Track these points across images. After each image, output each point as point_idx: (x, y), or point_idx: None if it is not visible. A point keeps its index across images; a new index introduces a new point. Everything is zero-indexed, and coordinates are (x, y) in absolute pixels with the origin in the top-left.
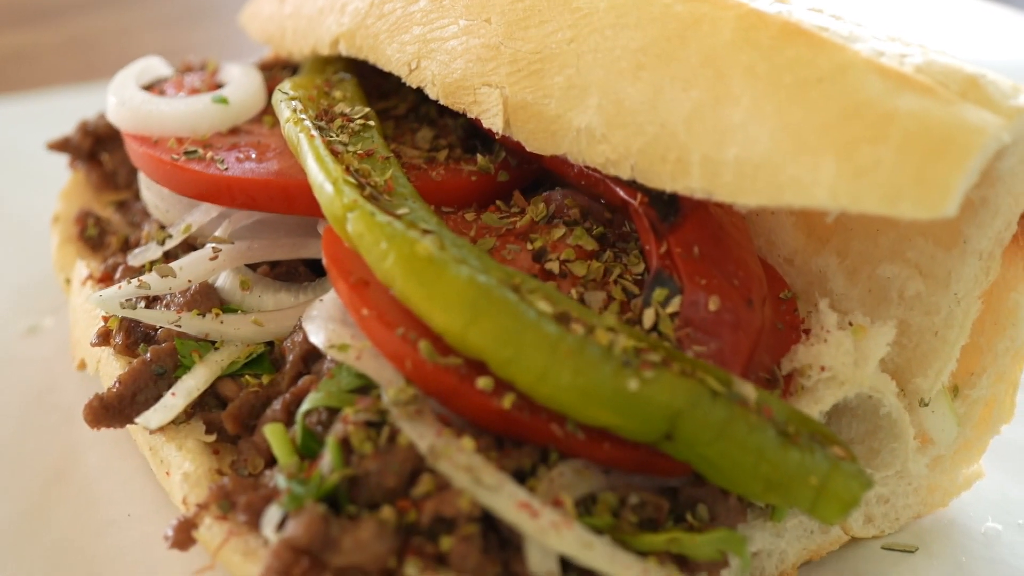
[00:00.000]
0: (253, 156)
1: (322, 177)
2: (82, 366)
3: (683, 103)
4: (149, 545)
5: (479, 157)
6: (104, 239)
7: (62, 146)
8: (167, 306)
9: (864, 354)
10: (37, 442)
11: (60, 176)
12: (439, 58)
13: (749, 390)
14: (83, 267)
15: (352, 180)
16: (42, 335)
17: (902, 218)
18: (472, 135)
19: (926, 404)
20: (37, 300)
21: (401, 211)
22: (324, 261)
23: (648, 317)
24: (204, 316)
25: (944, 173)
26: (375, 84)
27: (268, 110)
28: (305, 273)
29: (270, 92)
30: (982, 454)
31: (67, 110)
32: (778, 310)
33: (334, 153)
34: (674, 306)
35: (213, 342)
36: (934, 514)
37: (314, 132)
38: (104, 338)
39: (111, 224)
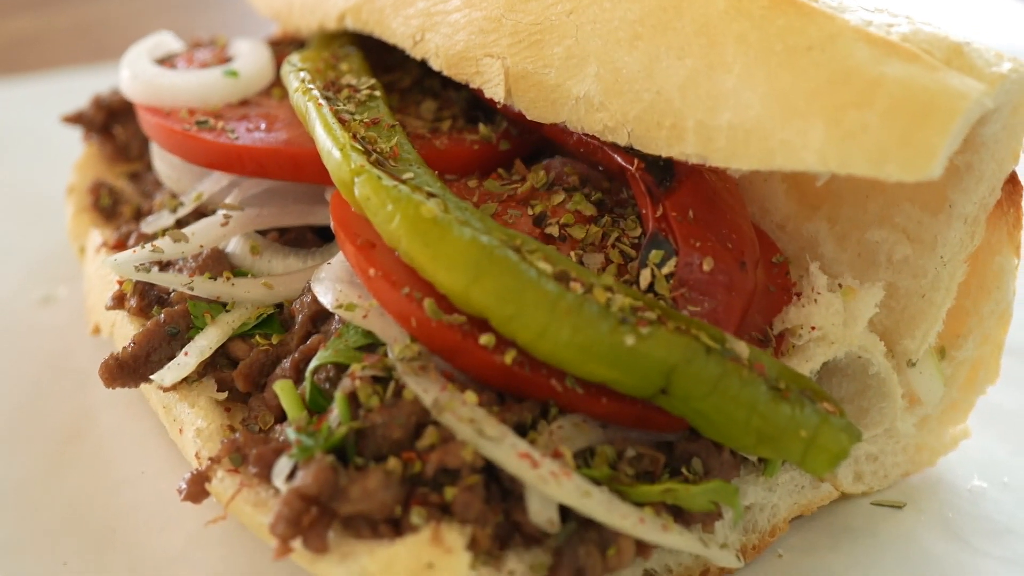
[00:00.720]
0: (262, 126)
1: (330, 143)
2: (96, 331)
3: (678, 71)
4: (163, 500)
5: (481, 127)
6: (117, 208)
7: (76, 119)
8: (179, 270)
9: (853, 315)
10: (53, 405)
11: (73, 154)
12: (442, 31)
13: (742, 347)
14: (97, 235)
15: (359, 146)
16: (56, 304)
17: (888, 180)
18: (474, 107)
19: (914, 364)
20: (51, 271)
21: (406, 176)
22: (332, 224)
23: (644, 278)
24: (216, 279)
25: (929, 136)
26: (380, 59)
27: (276, 83)
28: (313, 239)
29: (278, 67)
30: (968, 414)
31: (79, 90)
32: (770, 273)
33: (341, 121)
34: (669, 267)
35: (224, 304)
36: (922, 472)
37: (322, 101)
38: (119, 301)
39: (124, 194)
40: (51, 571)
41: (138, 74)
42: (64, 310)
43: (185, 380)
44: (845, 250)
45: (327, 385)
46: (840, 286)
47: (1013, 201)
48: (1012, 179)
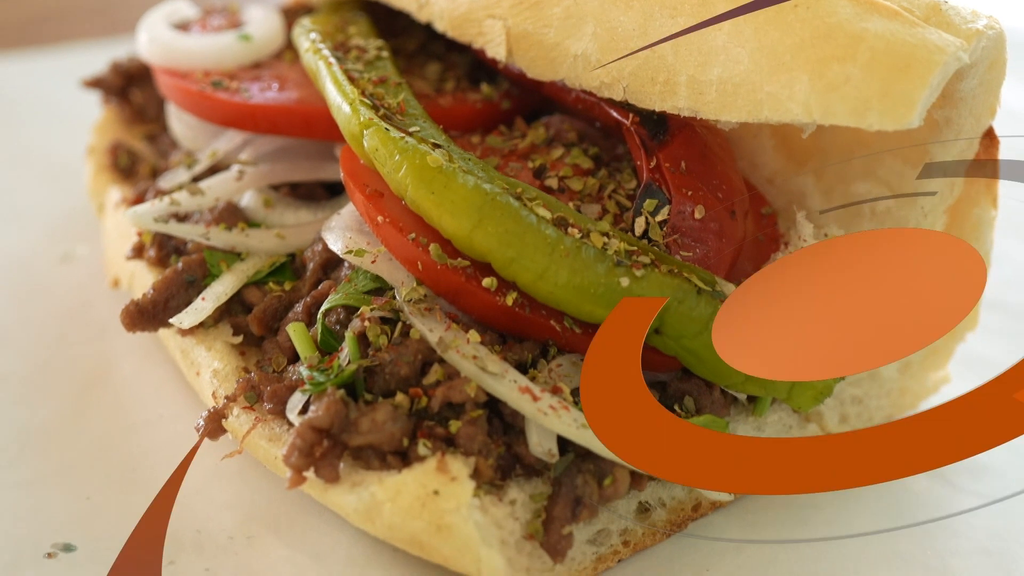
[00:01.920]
0: (275, 87)
1: (340, 99)
2: (115, 283)
3: (671, 28)
4: (181, 442)
5: (484, 86)
6: (135, 168)
7: (96, 83)
8: (196, 223)
9: None
10: (74, 354)
11: (89, 122)
12: None
13: (731, 289)
14: (116, 192)
15: (367, 102)
16: (76, 262)
17: (870, 129)
18: (477, 69)
19: None
20: (70, 231)
21: (412, 129)
22: (342, 175)
23: (639, 225)
24: (231, 230)
25: (908, 88)
26: (386, 24)
27: (288, 48)
28: (323, 194)
29: (289, 33)
30: (948, 360)
31: (94, 62)
32: (759, 224)
33: (350, 79)
34: (663, 215)
35: (239, 254)
36: (904, 415)
37: (332, 60)
38: (138, 252)
39: (142, 154)
40: (75, 504)
41: (155, 38)
42: (83, 267)
43: (202, 325)
44: (831, 203)
45: (338, 327)
46: (826, 235)
47: (990, 155)
48: (989, 133)
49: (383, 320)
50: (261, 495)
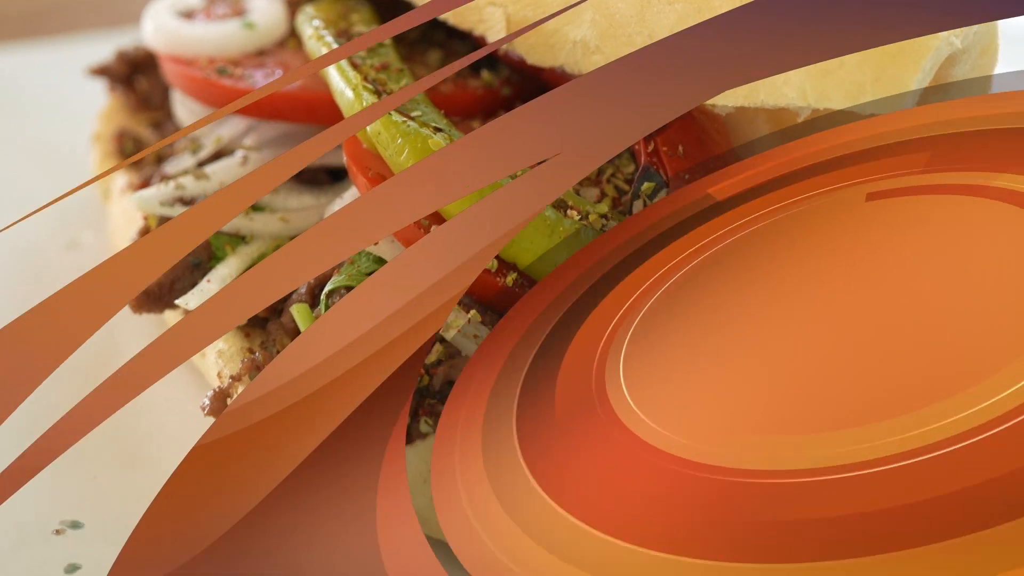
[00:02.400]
0: (278, 73)
1: (343, 84)
2: None
3: (668, 15)
4: (186, 421)
5: (484, 73)
6: None
7: (101, 71)
8: None
9: None
10: None
11: (94, 111)
12: None
13: None
14: (122, 178)
15: (370, 87)
16: (81, 249)
17: (863, 114)
18: None
19: None
20: (76, 218)
21: (414, 113)
22: (345, 160)
23: (637, 207)
24: None
25: (901, 72)
26: (388, 13)
27: (291, 36)
28: (325, 179)
29: (292, 22)
30: None
31: (98, 53)
32: None
33: (353, 65)
34: (660, 198)
35: (243, 237)
36: None
37: (335, 46)
38: (144, 235)
39: (147, 141)
40: (82, 484)
41: (161, 26)
42: (89, 254)
43: None
44: None
45: None
46: None
47: None
48: None
49: None
50: None
